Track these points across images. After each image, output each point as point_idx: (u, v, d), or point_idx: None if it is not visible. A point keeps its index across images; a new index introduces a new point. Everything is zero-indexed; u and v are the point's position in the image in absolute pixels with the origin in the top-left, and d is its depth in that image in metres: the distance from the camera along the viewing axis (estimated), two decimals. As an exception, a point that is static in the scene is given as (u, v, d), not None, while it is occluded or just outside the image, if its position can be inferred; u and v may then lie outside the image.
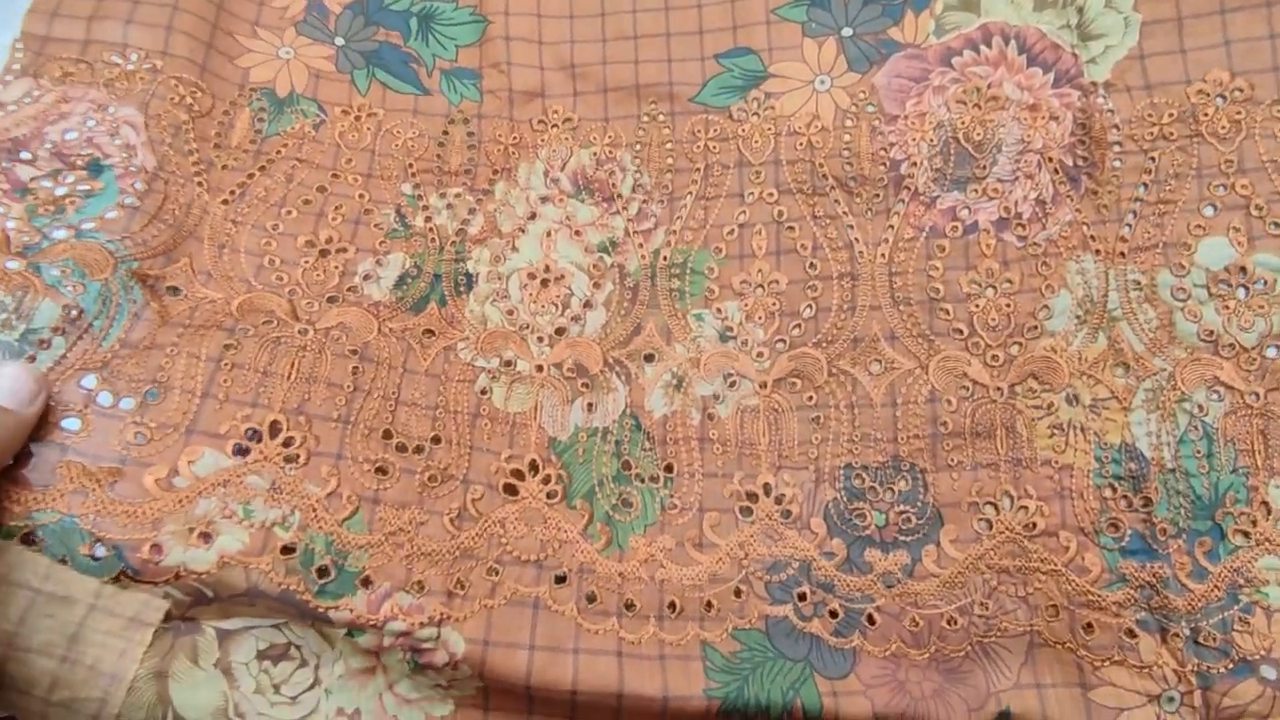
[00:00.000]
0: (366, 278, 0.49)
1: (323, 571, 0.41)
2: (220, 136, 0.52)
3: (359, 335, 0.47)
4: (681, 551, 0.44)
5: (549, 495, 0.45)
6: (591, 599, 0.43)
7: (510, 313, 0.49)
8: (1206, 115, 0.48)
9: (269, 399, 0.45)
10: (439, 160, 0.54)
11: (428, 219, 0.51)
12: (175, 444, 0.42)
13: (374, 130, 0.55)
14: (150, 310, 0.45)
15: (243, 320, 0.47)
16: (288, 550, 0.41)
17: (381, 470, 0.44)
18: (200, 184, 0.50)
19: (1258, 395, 0.44)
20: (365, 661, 0.40)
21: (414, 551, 0.42)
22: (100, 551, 0.40)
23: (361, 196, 0.51)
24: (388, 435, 0.45)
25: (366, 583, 0.42)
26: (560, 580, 0.43)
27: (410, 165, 0.54)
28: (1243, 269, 0.46)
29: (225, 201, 0.50)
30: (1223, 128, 0.48)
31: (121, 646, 0.39)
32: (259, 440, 0.43)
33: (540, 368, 0.48)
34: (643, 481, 0.45)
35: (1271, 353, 0.44)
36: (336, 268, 0.49)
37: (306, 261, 0.49)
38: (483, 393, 0.47)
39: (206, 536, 0.41)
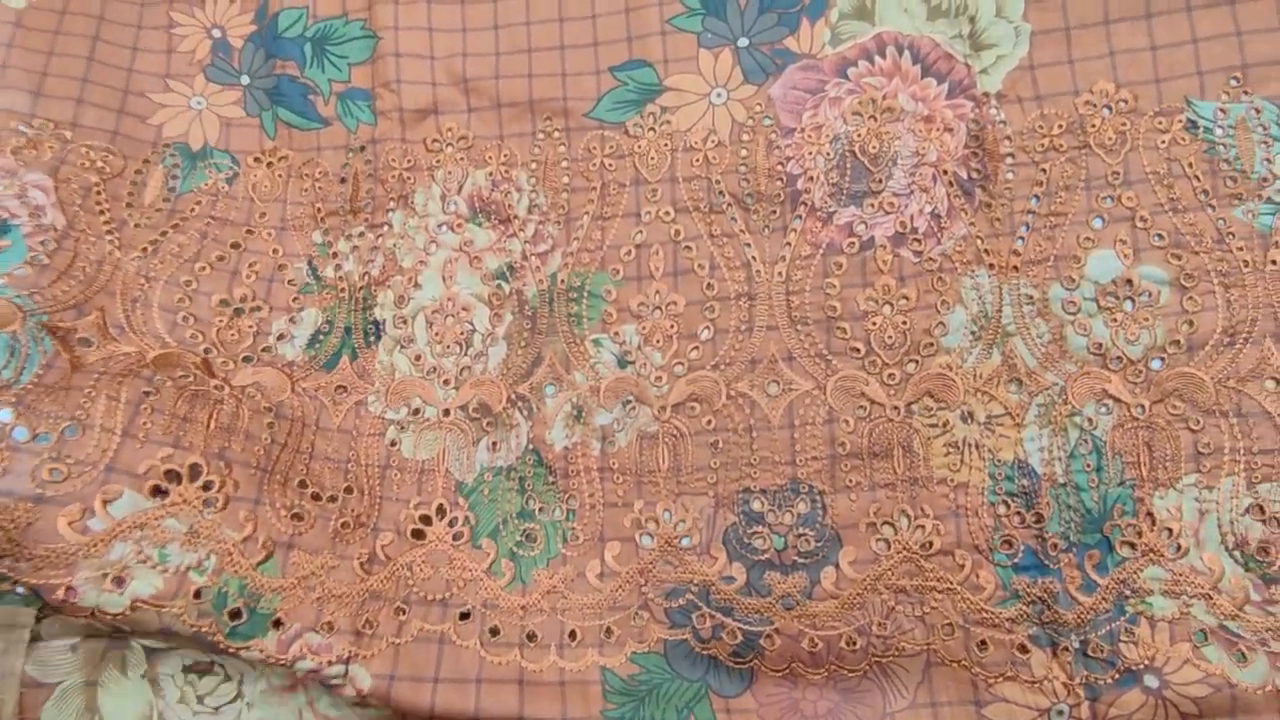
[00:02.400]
0: (281, 338, 0.50)
1: (235, 614, 0.43)
2: (133, 196, 0.52)
3: (273, 394, 0.48)
4: (583, 581, 0.45)
5: (455, 537, 0.46)
6: (495, 632, 0.44)
7: (417, 358, 0.50)
8: (1094, 126, 0.48)
9: (190, 442, 0.46)
10: (342, 199, 0.53)
11: (338, 268, 0.52)
12: (93, 482, 0.43)
13: (285, 175, 0.54)
14: (61, 359, 0.45)
15: (159, 373, 0.47)
16: (201, 593, 0.42)
17: (298, 516, 0.46)
18: (112, 241, 0.50)
19: (1143, 407, 0.44)
20: (287, 679, 0.43)
21: (325, 594, 0.44)
22: (20, 589, 0.41)
23: (275, 252, 0.52)
24: (303, 485, 0.47)
25: (277, 624, 0.43)
26: (464, 616, 0.45)
27: (319, 209, 0.53)
28: (1129, 281, 0.46)
29: (136, 259, 0.50)
30: (1109, 139, 0.48)
31: (1, 646, 0.41)
32: (179, 482, 0.44)
33: (447, 412, 0.48)
34: (546, 515, 0.47)
35: (1156, 365, 0.45)
36: (250, 327, 0.50)
37: (221, 320, 0.50)
38: (392, 444, 0.48)
39: (120, 581, 0.42)
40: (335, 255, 0.52)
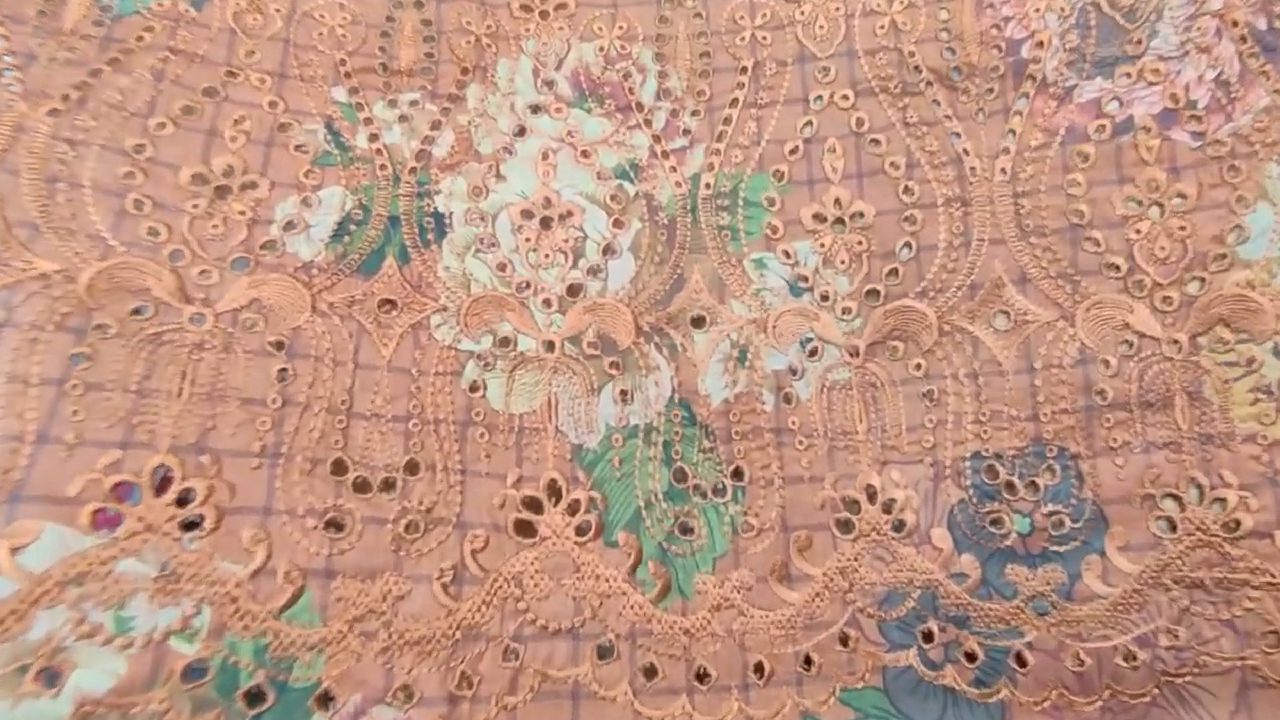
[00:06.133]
0: (290, 227, 0.38)
1: (254, 696, 0.30)
2: (45, 17, 0.38)
3: (284, 319, 0.36)
4: (765, 589, 0.36)
5: (580, 530, 0.36)
6: (650, 673, 0.34)
7: (502, 267, 0.39)
8: None
9: (150, 432, 0.32)
10: (384, 55, 0.42)
11: (373, 137, 0.40)
12: None
13: (286, 12, 0.41)
14: None
15: (99, 309, 0.34)
16: (195, 672, 0.29)
17: (335, 524, 0.33)
18: (13, 87, 0.36)
19: None
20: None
21: (394, 642, 0.32)
22: None
23: (274, 105, 0.40)
24: (340, 468, 0.34)
25: (325, 700, 0.30)
26: (605, 653, 0.34)
27: (343, 62, 0.42)
28: None
29: (54, 112, 0.36)
30: None
31: None
32: (136, 500, 0.31)
33: (551, 345, 0.38)
34: (705, 496, 0.37)
35: None
36: (243, 213, 0.37)
37: (195, 205, 0.37)
38: (473, 390, 0.37)
39: (54, 675, 0.28)
40: (370, 121, 0.40)
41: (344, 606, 0.32)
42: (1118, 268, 0.38)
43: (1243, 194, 0.38)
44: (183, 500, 0.31)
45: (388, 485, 0.34)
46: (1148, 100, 0.40)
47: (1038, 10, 0.41)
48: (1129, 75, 0.40)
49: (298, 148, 0.39)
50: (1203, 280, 0.37)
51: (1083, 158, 0.39)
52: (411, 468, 0.35)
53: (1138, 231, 0.38)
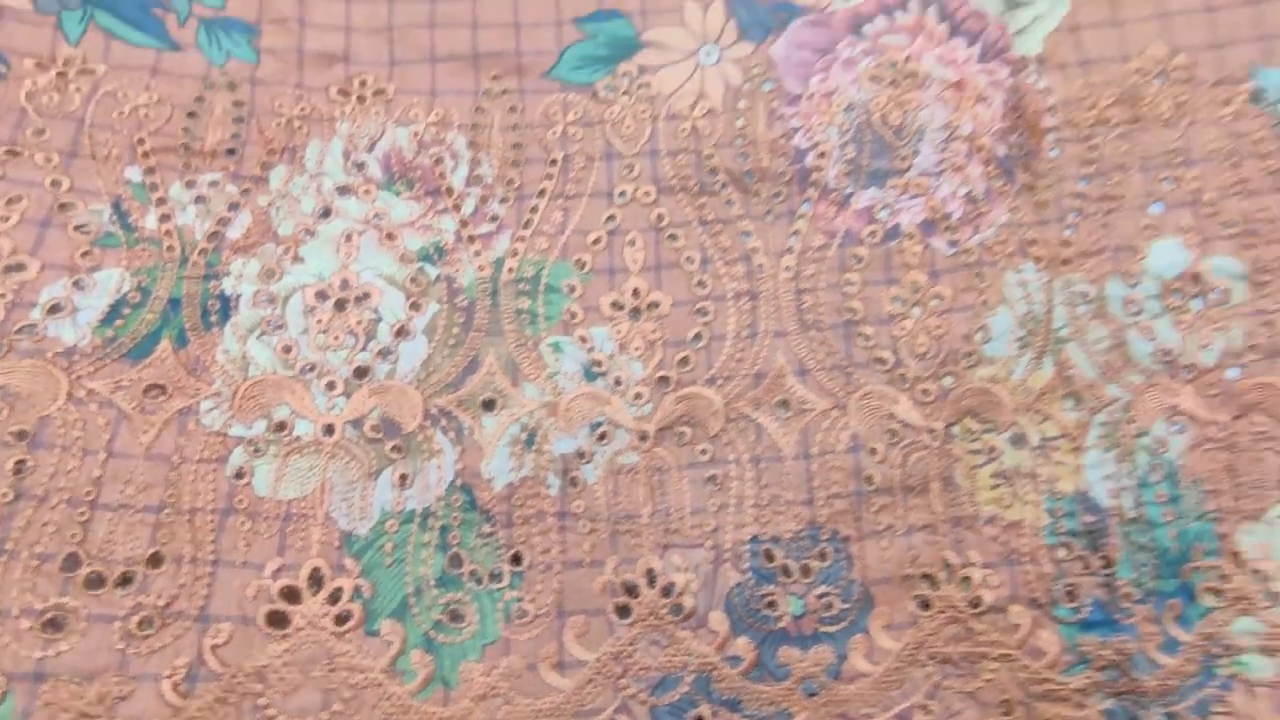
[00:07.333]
0: (54, 310, 0.36)
1: None
2: None
3: (31, 406, 0.34)
4: (533, 677, 0.34)
5: (339, 619, 0.34)
6: None
7: (287, 350, 0.38)
8: (1147, 97, 0.42)
9: None
10: (187, 135, 0.41)
11: (165, 218, 0.40)
12: None
13: (86, 92, 0.41)
14: None
15: None
16: None
17: (54, 624, 0.32)
18: None
19: (1221, 424, 0.38)
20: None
21: None
22: None
23: (56, 185, 0.39)
24: (72, 564, 0.33)
25: None
26: None
27: (141, 141, 0.41)
28: (1196, 276, 0.40)
29: None
30: (1165, 112, 0.42)
31: None
32: None
33: (330, 429, 0.37)
34: (480, 582, 0.36)
35: (1233, 374, 0.38)
36: (1, 295, 0.36)
37: None
38: (238, 476, 0.35)
39: None
40: (163, 202, 0.40)
41: (52, 713, 0.29)
42: (885, 361, 0.39)
43: (987, 298, 0.40)
44: None
45: (125, 580, 0.32)
46: (912, 210, 0.42)
47: (820, 124, 0.43)
48: (897, 187, 0.42)
49: (78, 228, 0.38)
50: (955, 375, 0.39)
51: (857, 259, 0.41)
52: (155, 560, 0.33)
53: (902, 328, 0.40)
